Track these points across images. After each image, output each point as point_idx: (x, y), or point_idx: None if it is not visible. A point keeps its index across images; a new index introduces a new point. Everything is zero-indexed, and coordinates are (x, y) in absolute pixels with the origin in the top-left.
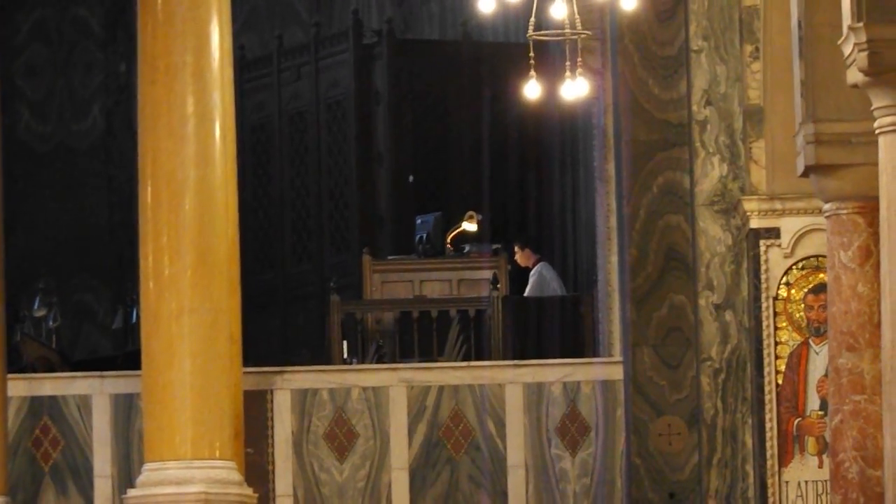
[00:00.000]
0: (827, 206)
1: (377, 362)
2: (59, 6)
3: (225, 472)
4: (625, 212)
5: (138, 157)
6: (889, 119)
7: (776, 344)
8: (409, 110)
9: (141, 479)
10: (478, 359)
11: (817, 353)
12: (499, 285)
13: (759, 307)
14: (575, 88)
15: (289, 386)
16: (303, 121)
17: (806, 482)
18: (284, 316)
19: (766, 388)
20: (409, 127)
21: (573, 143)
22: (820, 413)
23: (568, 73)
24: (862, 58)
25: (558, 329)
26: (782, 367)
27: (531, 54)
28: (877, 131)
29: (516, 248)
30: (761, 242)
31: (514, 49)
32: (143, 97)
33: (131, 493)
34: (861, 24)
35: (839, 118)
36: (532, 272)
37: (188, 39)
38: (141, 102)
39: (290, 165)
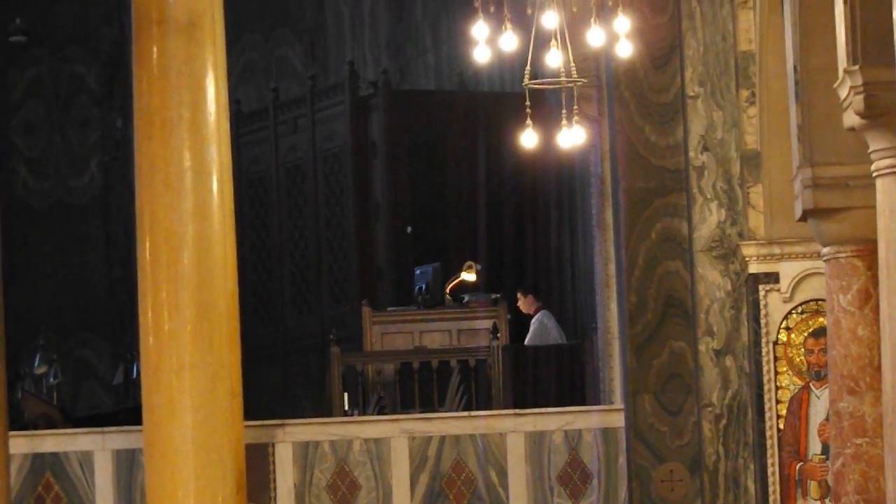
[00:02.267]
0: (825, 250)
1: (378, 413)
2: (54, 63)
3: None
4: (623, 259)
5: (136, 213)
6: (886, 161)
7: (777, 388)
8: (406, 161)
9: None
10: (479, 408)
11: (818, 397)
12: (499, 334)
13: (760, 352)
14: (572, 136)
15: (290, 439)
16: (300, 173)
17: None
18: (284, 369)
19: (768, 433)
20: (406, 178)
21: (570, 191)
22: (822, 457)
23: (564, 122)
24: (858, 101)
25: (559, 377)
26: (783, 412)
27: (527, 103)
28: (874, 174)
29: (519, 295)
30: (760, 287)
31: (510, 98)
32: (139, 152)
33: None
34: (857, 68)
35: (836, 162)
36: (533, 320)
37: (184, 94)
38: (138, 158)
39: (287, 218)
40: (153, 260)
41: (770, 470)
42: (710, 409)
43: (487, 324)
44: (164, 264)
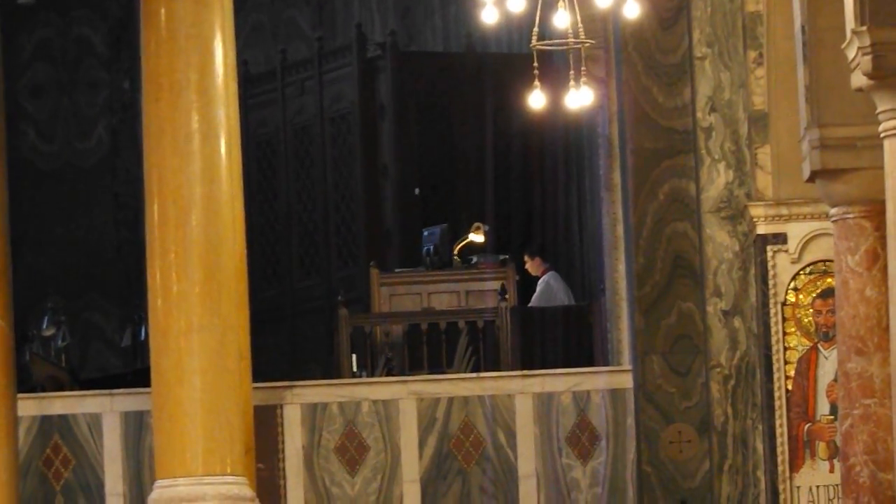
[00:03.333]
0: (833, 211)
1: (386, 375)
2: (62, 26)
3: (236, 487)
4: (631, 220)
5: (144, 175)
6: (894, 122)
7: (785, 349)
8: (414, 123)
9: (153, 496)
10: (487, 370)
11: (826, 358)
12: (507, 296)
13: (768, 313)
14: (579, 98)
15: (299, 400)
16: (307, 135)
17: (817, 487)
18: (292, 330)
19: (776, 394)
20: (414, 139)
21: (578, 153)
22: (830, 418)
23: (572, 83)
24: (866, 61)
25: (567, 339)
26: (792, 373)
27: (535, 64)
28: (882, 135)
29: (526, 258)
30: (768, 248)
31: (517, 59)
32: (147, 115)
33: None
34: (865, 28)
35: (844, 122)
36: (540, 281)
37: (192, 56)
38: (146, 120)
39: (295, 180)
40: (161, 222)
41: (778, 431)
42: (718, 370)
43: (495, 285)
44: (172, 226)
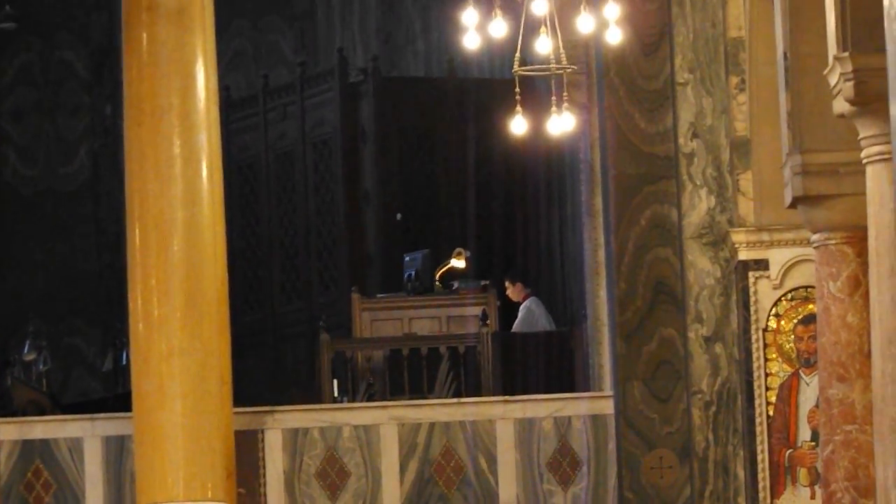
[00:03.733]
0: (815, 237)
1: (368, 400)
2: (43, 50)
3: None
4: (612, 246)
5: (126, 199)
6: (876, 149)
7: (766, 375)
8: (396, 148)
9: None
10: (468, 395)
11: (808, 384)
12: (488, 321)
13: (749, 339)
14: (561, 123)
15: (280, 425)
16: (289, 160)
17: None
18: (274, 355)
19: (758, 420)
20: (396, 164)
21: (560, 178)
22: (811, 444)
23: (554, 108)
24: (848, 87)
25: (548, 364)
26: (773, 399)
27: (517, 90)
28: (864, 161)
29: (507, 283)
30: (750, 274)
31: (499, 85)
32: (129, 139)
33: None
34: (847, 54)
35: (826, 148)
36: (521, 307)
37: (173, 81)
38: (127, 144)
39: (277, 204)
40: (143, 246)
41: (760, 457)
42: (699, 395)
43: (477, 310)
44: (153, 251)
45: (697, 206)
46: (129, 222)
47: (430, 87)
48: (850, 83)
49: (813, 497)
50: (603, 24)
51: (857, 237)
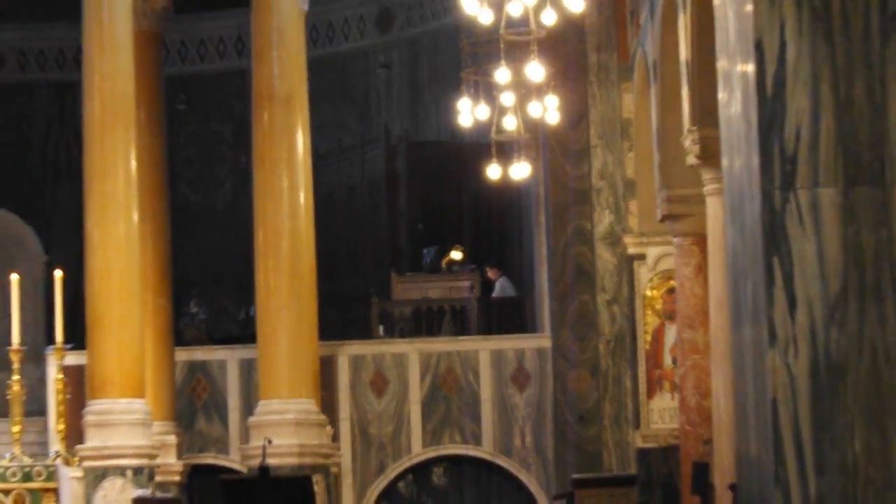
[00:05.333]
0: (675, 240)
1: (401, 338)
2: (203, 122)
3: (308, 405)
4: (551, 245)
5: (254, 214)
6: (713, 186)
7: (645, 324)
8: (419, 184)
9: (257, 410)
10: (462, 335)
11: (669, 330)
12: (474, 290)
13: (634, 302)
14: (521, 170)
15: (346, 353)
16: (353, 192)
17: (663, 409)
18: (343, 310)
19: (639, 352)
20: (420, 195)
21: (519, 203)
22: (672, 367)
23: (516, 160)
24: (696, 149)
25: (511, 317)
26: (648, 339)
27: (494, 149)
28: (705, 194)
29: (487, 268)
30: (635, 263)
31: (483, 146)
32: (256, 178)
33: (252, 419)
34: (695, 128)
35: (682, 186)
36: (497, 283)
37: (283, 142)
38: (256, 181)
39: (345, 218)
40: (264, 243)
41: (640, 374)
42: (603, 337)
43: (467, 284)
44: (271, 246)
45: (603, 221)
46: (256, 228)
47: (441, 146)
48: (697, 146)
49: (672, 399)
50: (546, 110)
51: (701, 240)
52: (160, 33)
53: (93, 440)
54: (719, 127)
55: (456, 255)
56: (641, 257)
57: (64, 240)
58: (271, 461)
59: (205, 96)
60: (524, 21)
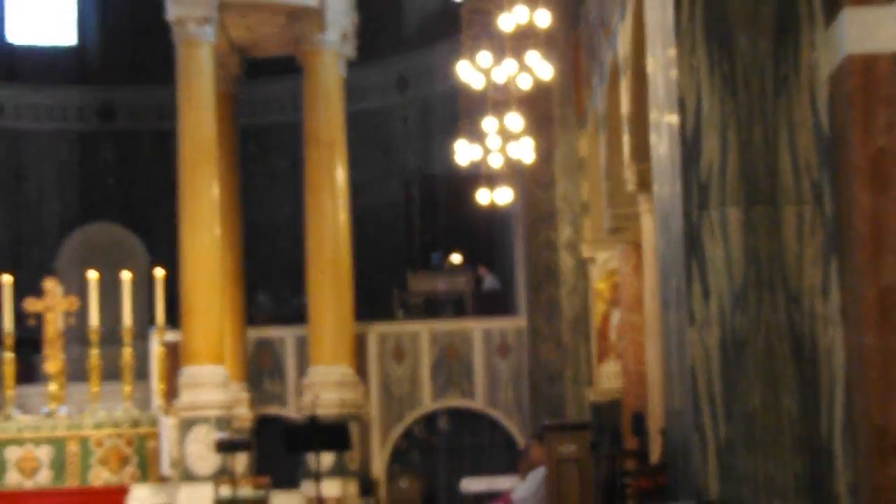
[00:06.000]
0: (619, 247)
1: (415, 320)
2: (267, 160)
3: (346, 370)
4: (526, 251)
5: (306, 228)
6: (646, 207)
7: (595, 310)
8: (429, 206)
9: (308, 373)
10: (461, 317)
11: (614, 313)
12: (469, 285)
13: (588, 293)
14: (504, 195)
15: (374, 331)
16: (380, 211)
17: (610, 373)
18: (372, 297)
19: (591, 330)
20: (429, 214)
21: (503, 220)
22: (616, 341)
23: (500, 188)
24: (633, 179)
25: (498, 304)
26: (598, 321)
27: (484, 180)
28: (641, 213)
29: (479, 266)
30: (588, 264)
31: (476, 177)
32: (308, 201)
33: (304, 380)
34: (633, 163)
35: (623, 206)
36: (486, 279)
37: (327, 174)
38: (307, 203)
39: (375, 231)
40: (313, 249)
41: (593, 347)
42: (566, 319)
43: (465, 279)
44: (318, 251)
45: (565, 233)
46: (307, 238)
47: (445, 177)
48: (635, 176)
49: (616, 365)
50: (523, 152)
51: (637, 247)
52: (235, 93)
53: (185, 397)
54: (651, 162)
55: (456, 257)
56: (593, 260)
57: (163, 247)
58: (319, 412)
59: (268, 141)
60: (506, 85)
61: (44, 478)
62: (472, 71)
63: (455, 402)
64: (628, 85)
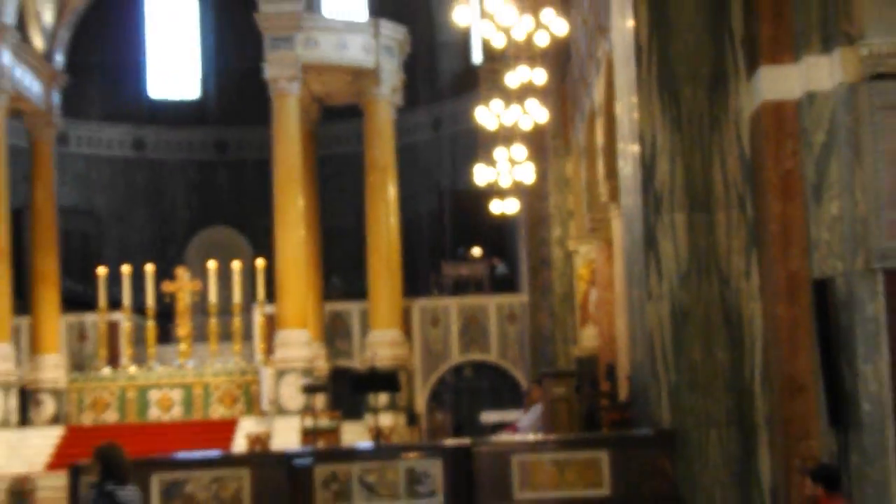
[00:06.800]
0: (596, 242)
1: (447, 296)
2: (339, 180)
3: (397, 333)
4: (528, 246)
5: (367, 230)
6: (616, 213)
7: (578, 289)
8: (457, 213)
9: (369, 336)
10: (480, 294)
11: (593, 292)
12: (485, 270)
13: (573, 276)
14: (512, 205)
15: (417, 305)
16: (420, 217)
17: (589, 335)
18: (415, 282)
19: (576, 304)
20: (457, 219)
21: (511, 224)
22: (594, 312)
23: (509, 199)
24: (606, 192)
25: (507, 285)
26: (580, 297)
27: (497, 194)
28: (611, 218)
29: (494, 257)
30: (573, 254)
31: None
32: (368, 209)
33: (367, 340)
34: (606, 181)
35: (599, 213)
36: (499, 266)
37: (382, 189)
38: (368, 211)
39: (417, 232)
40: (372, 245)
41: (577, 316)
42: (557, 297)
43: (483, 266)
44: (375, 246)
45: (556, 232)
46: (368, 237)
47: (468, 192)
48: (607, 191)
49: (594, 330)
50: (526, 174)
51: (609, 243)
52: (314, 131)
53: (279, 353)
54: (618, 180)
55: (476, 251)
56: (576, 252)
57: (263, 243)
58: (377, 364)
59: (339, 166)
60: (513, 125)
61: (176, 413)
62: (488, 114)
63: (476, 356)
64: (602, 124)
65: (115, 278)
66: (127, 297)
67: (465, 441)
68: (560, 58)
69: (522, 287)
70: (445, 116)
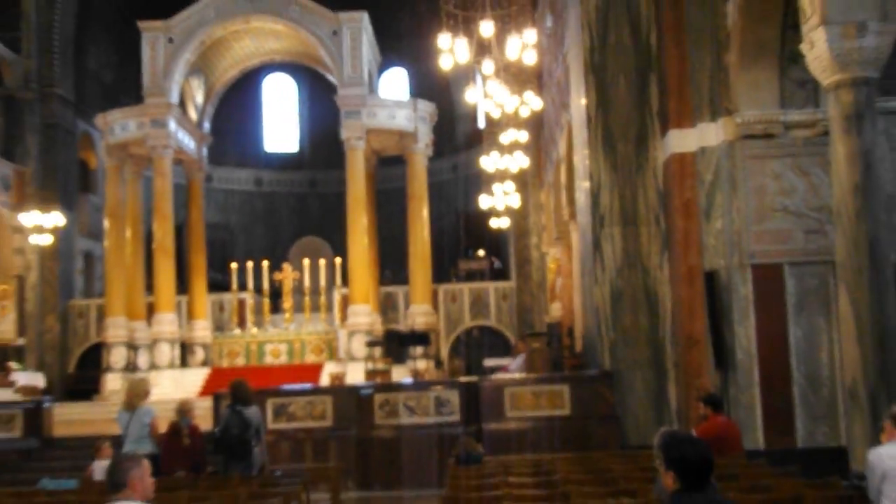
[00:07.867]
0: (560, 247)
1: (461, 282)
2: (390, 205)
3: (428, 307)
4: (515, 249)
5: (408, 238)
6: (574, 226)
7: (548, 278)
8: (469, 229)
9: (409, 309)
10: (483, 281)
11: (558, 280)
12: (487, 265)
13: (544, 270)
14: (505, 223)
15: (442, 289)
16: (444, 231)
17: (556, 308)
18: (441, 273)
19: (546, 288)
20: (469, 232)
21: (505, 235)
22: (559, 293)
23: (503, 218)
24: (567, 213)
25: (501, 275)
26: (550, 283)
27: (495, 217)
28: (571, 230)
29: (492, 258)
30: (546, 255)
31: (492, 213)
32: (410, 227)
33: (408, 311)
34: (567, 206)
35: (562, 227)
36: (495, 263)
37: (419, 213)
38: (410, 227)
39: (441, 240)
40: (411, 247)
41: (547, 296)
42: (535, 282)
43: (485, 263)
44: (413, 248)
45: (534, 240)
46: (409, 243)
47: (476, 215)
48: (567, 212)
49: (559, 305)
50: (515, 202)
51: (570, 247)
52: (374, 173)
53: (350, 320)
54: (575, 205)
55: (481, 253)
56: (548, 253)
57: (341, 248)
58: (415, 327)
59: (390, 197)
60: (505, 169)
61: (283, 359)
62: (489, 161)
63: (481, 322)
64: (564, 168)
65: (242, 270)
66: (250, 282)
67: (473, 378)
68: (537, 124)
69: (512, 276)
70: (461, 163)
